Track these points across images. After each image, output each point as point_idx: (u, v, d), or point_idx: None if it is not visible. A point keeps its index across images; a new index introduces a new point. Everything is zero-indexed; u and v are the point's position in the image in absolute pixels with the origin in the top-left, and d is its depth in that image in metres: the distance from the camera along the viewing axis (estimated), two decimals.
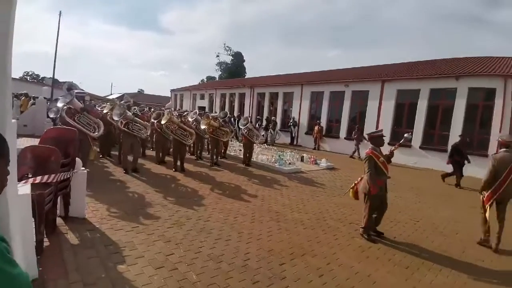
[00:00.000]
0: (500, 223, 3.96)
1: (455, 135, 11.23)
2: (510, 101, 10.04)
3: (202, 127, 8.25)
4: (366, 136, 4.45)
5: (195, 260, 3.01)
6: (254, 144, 9.50)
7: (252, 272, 2.90)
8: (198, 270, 2.83)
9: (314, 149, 15.44)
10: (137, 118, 6.78)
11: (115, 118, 6.46)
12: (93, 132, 5.64)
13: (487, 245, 4.05)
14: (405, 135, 4.48)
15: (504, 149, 4.11)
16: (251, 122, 9.03)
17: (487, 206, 4.05)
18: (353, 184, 4.39)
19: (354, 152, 12.81)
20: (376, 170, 3.92)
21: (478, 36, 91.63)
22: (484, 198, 4.11)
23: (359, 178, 4.26)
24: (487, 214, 4.04)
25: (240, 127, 9.03)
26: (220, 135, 8.50)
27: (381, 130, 4.36)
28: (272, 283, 2.75)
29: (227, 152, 10.38)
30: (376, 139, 4.12)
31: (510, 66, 11.12)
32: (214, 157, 8.55)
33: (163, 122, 7.26)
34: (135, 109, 8.44)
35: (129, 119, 6.54)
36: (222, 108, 23.93)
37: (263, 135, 14.67)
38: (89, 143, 5.72)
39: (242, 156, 9.94)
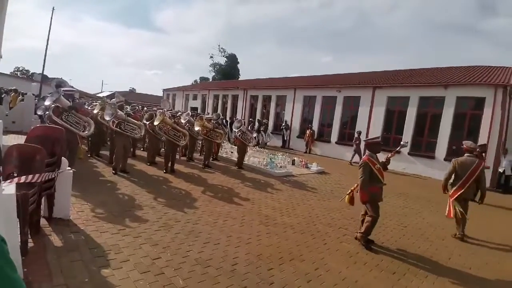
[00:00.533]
0: (462, 218, 4.66)
1: (442, 142, 11.51)
2: (500, 110, 10.30)
3: (196, 128, 8.15)
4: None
5: (182, 265, 2.97)
6: (248, 147, 9.41)
7: (240, 277, 2.88)
8: (185, 274, 2.79)
9: (306, 152, 15.52)
10: (130, 118, 6.62)
11: (107, 118, 6.30)
12: (83, 131, 5.48)
13: (463, 238, 4.67)
14: (402, 142, 4.54)
15: (467, 154, 4.80)
16: (244, 124, 9.00)
17: (454, 202, 4.70)
18: (350, 191, 4.39)
19: (353, 158, 12.70)
20: (372, 177, 3.92)
21: (471, 45, 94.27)
22: (450, 195, 4.80)
23: (356, 184, 4.23)
24: (458, 209, 4.65)
25: (234, 129, 8.97)
26: (214, 137, 8.41)
27: (379, 137, 4.36)
28: None
29: (219, 153, 10.33)
30: (373, 145, 4.12)
31: (499, 76, 11.43)
32: (207, 158, 8.44)
33: (156, 123, 7.12)
34: (126, 108, 8.31)
35: (121, 119, 6.38)
36: (215, 109, 23.84)
37: (254, 137, 14.65)
38: (77, 142, 5.57)
39: (233, 158, 9.92)
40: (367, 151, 4.14)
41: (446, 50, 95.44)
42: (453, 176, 4.80)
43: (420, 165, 12.07)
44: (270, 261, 3.27)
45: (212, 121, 8.62)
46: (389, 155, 4.24)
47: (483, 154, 7.02)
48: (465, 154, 4.83)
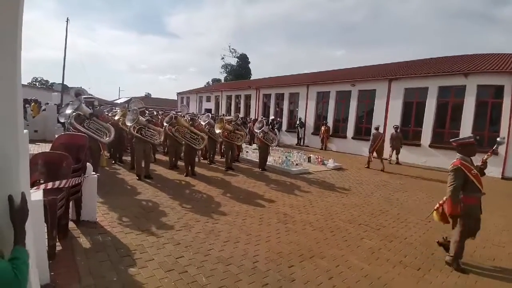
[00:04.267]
0: (381, 160, 9.57)
1: (465, 132, 11.06)
2: None
3: (217, 131, 8.05)
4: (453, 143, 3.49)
5: (205, 263, 3.03)
6: (270, 147, 8.98)
7: (261, 274, 2.91)
8: (208, 272, 2.85)
9: (321, 149, 15.36)
10: (150, 124, 6.64)
11: (128, 123, 6.39)
12: (104, 138, 5.57)
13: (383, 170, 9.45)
14: (498, 139, 3.79)
15: (376, 131, 10.08)
16: (265, 124, 8.61)
17: (372, 154, 10.02)
18: (438, 205, 3.62)
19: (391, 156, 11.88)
20: (468, 186, 3.24)
21: (486, 33, 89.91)
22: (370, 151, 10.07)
23: (445, 197, 3.50)
24: (373, 156, 10.03)
25: (256, 130, 8.74)
26: (235, 139, 8.32)
27: (472, 137, 3.64)
28: (282, 285, 2.75)
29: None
30: (467, 147, 3.40)
31: None
32: (229, 161, 8.33)
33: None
34: (145, 113, 8.37)
35: (142, 124, 6.45)
36: (228, 110, 24.02)
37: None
38: (99, 149, 5.64)
39: (248, 158, 9.90)
40: (458, 154, 3.44)
41: (460, 38, 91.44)
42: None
43: (442, 157, 11.64)
44: (291, 259, 3.28)
45: (232, 122, 8.50)
46: (485, 156, 3.53)
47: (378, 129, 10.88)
48: (375, 130, 10.13)
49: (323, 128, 15.59)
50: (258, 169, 8.59)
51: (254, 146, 12.11)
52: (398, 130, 11.60)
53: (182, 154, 7.83)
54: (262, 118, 10.41)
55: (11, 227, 1.21)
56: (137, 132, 6.36)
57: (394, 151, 11.68)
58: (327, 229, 4.29)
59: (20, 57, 1.29)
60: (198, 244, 3.45)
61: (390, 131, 13.02)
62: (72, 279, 2.57)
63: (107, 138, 5.64)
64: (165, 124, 7.81)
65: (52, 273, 2.54)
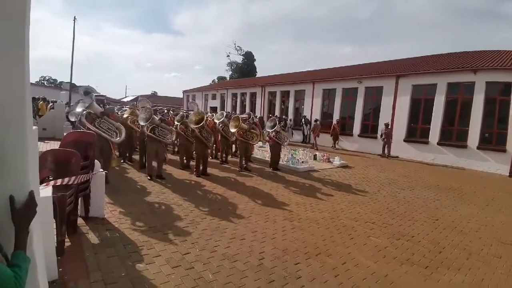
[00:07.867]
0: (315, 140, 14.32)
1: (474, 130, 10.87)
2: None
3: (232, 130, 7.81)
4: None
5: (211, 259, 3.05)
6: (282, 147, 8.65)
7: (267, 271, 2.92)
8: (214, 269, 2.87)
9: (331, 147, 15.26)
10: (163, 124, 6.50)
11: (142, 123, 6.25)
12: (115, 138, 5.45)
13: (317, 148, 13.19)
14: None
15: (317, 122, 14.97)
16: (278, 123, 8.34)
17: (316, 137, 14.37)
18: None
19: (383, 151, 12.66)
20: None
21: (493, 30, 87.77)
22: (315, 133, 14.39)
23: None
24: (317, 140, 14.41)
25: (267, 129, 8.34)
26: (250, 138, 8.05)
27: None
28: (287, 282, 2.75)
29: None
30: None
31: None
32: (243, 161, 8.11)
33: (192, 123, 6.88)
34: (156, 111, 8.12)
35: (155, 124, 6.30)
36: (233, 107, 24.04)
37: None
38: (110, 150, 5.49)
39: (258, 157, 9.82)
40: None
41: (467, 35, 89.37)
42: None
43: (451, 155, 11.50)
44: (297, 256, 3.28)
45: (246, 121, 8.23)
46: None
47: (318, 121, 14.98)
48: (316, 122, 14.94)
49: (334, 125, 15.45)
50: (269, 169, 8.41)
51: (260, 144, 12.07)
52: (388, 127, 12.51)
53: (194, 153, 7.63)
54: (274, 117, 10.19)
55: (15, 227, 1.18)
56: (150, 132, 6.21)
57: (386, 146, 12.51)
58: (333, 226, 4.28)
59: (28, 55, 1.30)
60: (204, 241, 3.47)
61: (396, 128, 13.00)
62: (81, 274, 2.61)
63: (118, 138, 5.50)
64: (176, 122, 7.66)
65: (61, 269, 2.58)
